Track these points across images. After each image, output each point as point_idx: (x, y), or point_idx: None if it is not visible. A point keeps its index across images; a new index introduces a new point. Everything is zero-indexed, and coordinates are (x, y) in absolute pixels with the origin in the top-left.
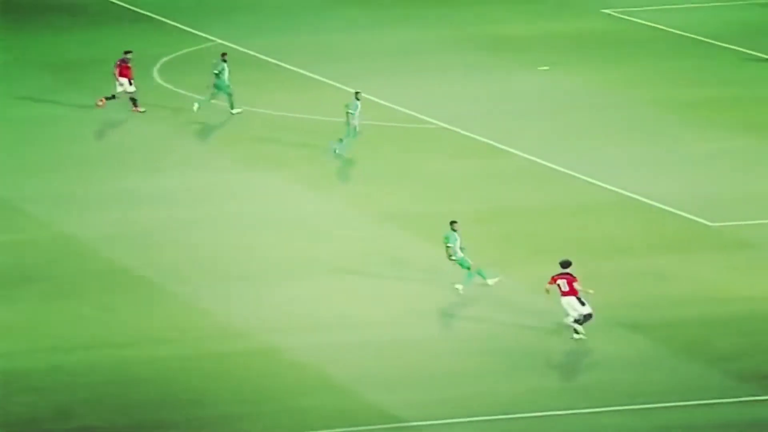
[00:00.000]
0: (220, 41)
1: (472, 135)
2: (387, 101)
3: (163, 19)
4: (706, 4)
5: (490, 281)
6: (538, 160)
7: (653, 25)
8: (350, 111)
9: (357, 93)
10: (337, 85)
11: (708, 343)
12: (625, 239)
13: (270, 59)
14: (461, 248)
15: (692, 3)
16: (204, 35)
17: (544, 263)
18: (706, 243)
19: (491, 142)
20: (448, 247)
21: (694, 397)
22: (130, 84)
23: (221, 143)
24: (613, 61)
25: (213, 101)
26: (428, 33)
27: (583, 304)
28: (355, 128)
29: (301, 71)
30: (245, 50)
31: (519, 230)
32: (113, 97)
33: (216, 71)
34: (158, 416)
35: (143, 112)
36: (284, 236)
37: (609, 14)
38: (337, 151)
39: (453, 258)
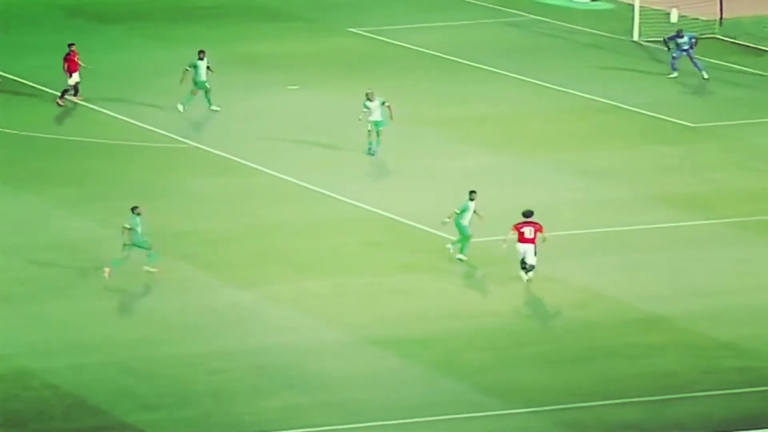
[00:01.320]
0: None
1: (225, 155)
2: (141, 121)
3: None
4: (451, 23)
5: (463, 256)
6: (291, 179)
7: (401, 44)
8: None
9: (368, 93)
10: (91, 106)
11: (457, 358)
12: (375, 256)
13: (26, 81)
14: (475, 214)
15: (438, 22)
16: None
17: (300, 280)
18: (457, 260)
19: (244, 162)
20: (455, 213)
21: (445, 411)
22: (70, 77)
23: None
24: (363, 80)
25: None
26: (180, 52)
27: (534, 255)
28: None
29: (56, 92)
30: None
31: (275, 248)
32: (74, 90)
33: (188, 67)
34: None
35: (74, 103)
36: (42, 257)
37: (357, 33)
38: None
39: (448, 220)
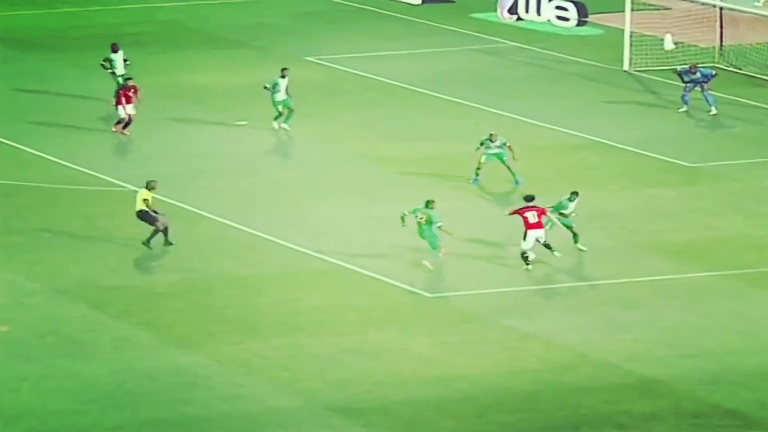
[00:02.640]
0: None
1: (165, 199)
2: (72, 163)
3: None
4: (420, 50)
5: (581, 246)
6: (238, 226)
7: (364, 74)
8: None
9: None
10: (13, 144)
11: (429, 426)
12: (335, 313)
13: None
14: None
15: (405, 49)
16: None
17: (248, 340)
18: (425, 316)
19: (186, 207)
20: (562, 214)
21: None
22: (117, 109)
23: None
24: (320, 114)
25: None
26: (112, 82)
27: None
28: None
29: None
30: None
31: (219, 304)
32: (128, 121)
33: (267, 86)
34: None
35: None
36: None
37: (314, 62)
38: None
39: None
